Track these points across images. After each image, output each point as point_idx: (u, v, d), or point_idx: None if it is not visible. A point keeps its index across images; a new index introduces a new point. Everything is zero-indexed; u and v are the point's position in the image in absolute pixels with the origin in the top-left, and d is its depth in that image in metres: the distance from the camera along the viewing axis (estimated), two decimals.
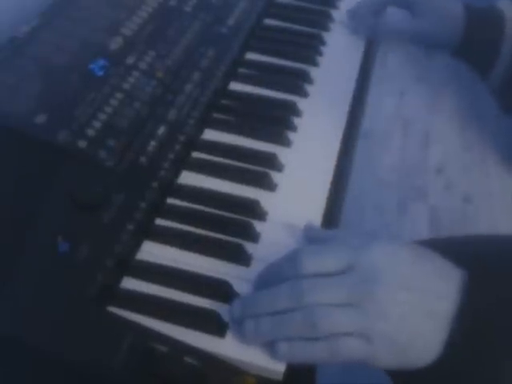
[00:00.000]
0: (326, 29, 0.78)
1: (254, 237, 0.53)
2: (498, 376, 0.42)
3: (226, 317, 0.47)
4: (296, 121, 0.64)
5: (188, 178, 0.57)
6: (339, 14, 0.81)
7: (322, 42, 0.76)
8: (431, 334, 0.43)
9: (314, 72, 0.71)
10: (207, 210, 0.54)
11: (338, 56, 0.75)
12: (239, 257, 0.51)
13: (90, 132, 0.53)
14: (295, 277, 0.45)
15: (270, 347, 0.45)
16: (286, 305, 0.44)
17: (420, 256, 0.46)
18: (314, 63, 0.73)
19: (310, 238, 0.52)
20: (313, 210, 0.56)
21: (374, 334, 0.42)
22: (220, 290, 0.48)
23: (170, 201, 0.55)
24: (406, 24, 0.76)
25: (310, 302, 0.43)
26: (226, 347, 0.45)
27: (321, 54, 0.74)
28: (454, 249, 0.48)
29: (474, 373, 0.43)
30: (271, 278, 0.47)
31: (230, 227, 0.53)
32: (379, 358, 0.43)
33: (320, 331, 0.43)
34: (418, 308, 0.43)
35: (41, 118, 0.52)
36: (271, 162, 0.59)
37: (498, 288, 0.43)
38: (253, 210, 0.54)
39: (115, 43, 0.60)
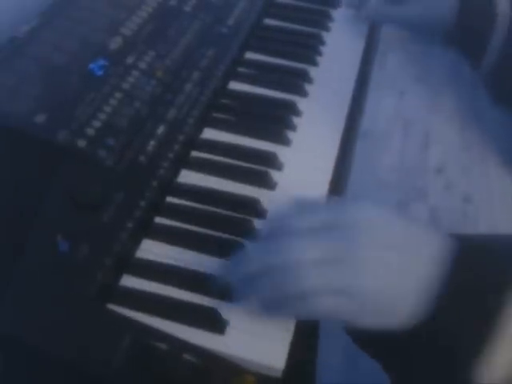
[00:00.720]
0: (325, 29, 0.79)
1: (254, 235, 0.53)
2: (477, 339, 0.42)
3: (225, 314, 0.47)
4: (295, 120, 0.64)
5: (187, 177, 0.57)
6: (339, 14, 0.81)
7: (322, 42, 0.76)
8: (412, 294, 0.42)
9: (313, 72, 0.71)
10: (207, 208, 0.55)
11: (338, 56, 0.75)
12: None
13: (90, 131, 0.53)
14: (281, 234, 0.44)
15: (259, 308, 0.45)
16: (272, 262, 0.43)
17: (404, 220, 0.45)
18: (314, 63, 0.73)
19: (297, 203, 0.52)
20: None
21: (356, 291, 0.42)
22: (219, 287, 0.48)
23: (170, 199, 0.55)
24: (397, 10, 0.76)
25: (294, 259, 0.43)
26: (226, 345, 0.45)
27: (320, 54, 0.74)
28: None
29: (453, 337, 0.42)
30: (265, 236, 0.47)
31: (229, 225, 0.53)
32: (359, 316, 0.43)
33: (301, 289, 0.43)
34: (400, 268, 0.42)
35: (41, 118, 0.52)
36: (271, 160, 0.59)
37: (482, 258, 0.43)
38: (253, 208, 0.55)
39: (115, 43, 0.61)
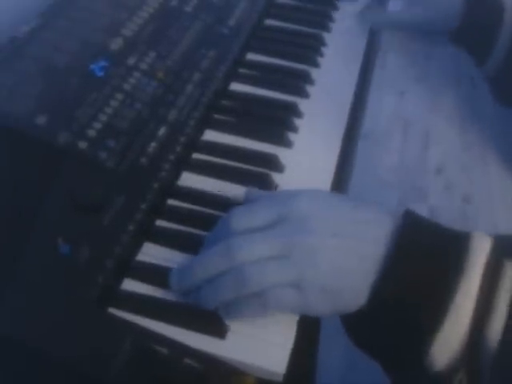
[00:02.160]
0: (326, 29, 0.78)
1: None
2: (421, 324, 0.42)
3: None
4: (297, 121, 0.64)
5: (189, 179, 0.57)
6: (340, 14, 0.81)
7: (323, 43, 0.76)
8: (361, 277, 0.42)
9: (314, 73, 0.71)
10: (208, 211, 0.54)
11: (339, 57, 0.75)
12: None
13: (91, 133, 0.52)
14: (225, 237, 0.45)
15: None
16: (219, 266, 0.44)
17: (349, 202, 0.46)
18: (315, 64, 0.72)
19: (245, 199, 0.52)
20: None
21: (305, 282, 0.42)
22: None
23: (171, 202, 0.55)
24: (400, 16, 0.76)
25: (239, 259, 0.43)
26: (227, 349, 0.45)
27: (321, 55, 0.74)
28: None
29: (399, 319, 0.42)
30: (206, 245, 0.47)
31: None
32: (311, 305, 0.43)
33: (251, 287, 0.43)
34: (346, 252, 0.43)
35: (41, 119, 0.51)
36: (272, 162, 0.59)
37: (427, 237, 0.43)
38: None
39: (116, 44, 0.60)
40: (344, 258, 0.43)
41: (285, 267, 0.43)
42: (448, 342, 0.40)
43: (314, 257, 0.42)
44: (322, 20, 0.80)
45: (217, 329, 0.46)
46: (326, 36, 0.77)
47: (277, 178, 0.58)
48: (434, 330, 0.40)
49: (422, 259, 0.42)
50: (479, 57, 0.73)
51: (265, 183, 0.57)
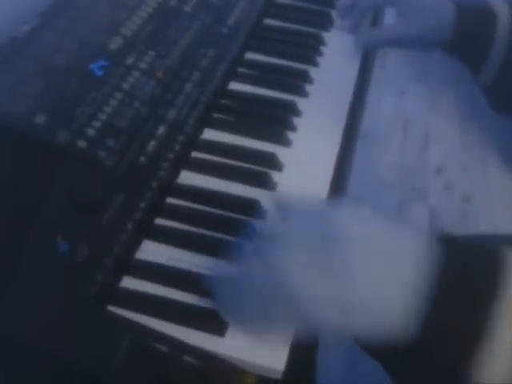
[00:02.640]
0: (325, 29, 0.78)
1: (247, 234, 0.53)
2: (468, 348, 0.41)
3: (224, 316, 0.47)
4: (296, 121, 0.64)
5: (188, 178, 0.57)
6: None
7: (322, 42, 0.76)
8: (399, 301, 0.42)
9: (313, 72, 0.71)
10: (207, 209, 0.54)
11: (338, 56, 0.75)
12: None
13: (90, 132, 0.53)
14: (264, 240, 0.44)
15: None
16: (256, 272, 0.43)
17: (392, 224, 0.45)
18: (314, 63, 0.73)
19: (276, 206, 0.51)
20: None
21: (344, 300, 0.42)
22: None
23: (170, 200, 0.55)
24: (390, 35, 0.76)
25: (278, 267, 0.42)
26: (226, 346, 0.45)
27: (320, 54, 0.74)
28: None
29: (434, 345, 0.42)
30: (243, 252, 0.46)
31: (230, 226, 0.53)
32: (348, 324, 0.42)
33: (287, 297, 0.42)
34: (386, 275, 0.42)
35: (40, 118, 0.52)
36: (271, 161, 0.59)
37: (468, 259, 0.43)
38: (253, 209, 0.54)
39: (115, 43, 0.60)
40: (382, 280, 0.42)
41: (321, 283, 0.42)
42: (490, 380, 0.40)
43: (351, 276, 0.42)
44: (321, 19, 0.80)
45: (216, 326, 0.46)
46: (325, 35, 0.77)
47: (276, 176, 0.58)
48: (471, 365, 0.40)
49: (459, 288, 0.41)
50: (474, 67, 0.73)
51: (264, 182, 0.57)
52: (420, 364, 0.43)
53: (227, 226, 0.53)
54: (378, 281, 0.42)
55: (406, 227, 0.45)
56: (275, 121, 0.64)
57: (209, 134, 0.61)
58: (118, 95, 0.56)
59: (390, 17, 0.82)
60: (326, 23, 0.79)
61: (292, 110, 0.65)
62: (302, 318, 0.43)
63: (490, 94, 0.74)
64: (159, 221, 0.53)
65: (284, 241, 0.44)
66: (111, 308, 0.47)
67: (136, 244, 0.51)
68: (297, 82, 0.69)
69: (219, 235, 0.53)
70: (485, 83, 0.73)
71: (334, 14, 0.81)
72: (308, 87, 0.69)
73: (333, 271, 0.42)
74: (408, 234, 0.45)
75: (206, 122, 0.62)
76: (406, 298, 0.42)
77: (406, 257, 0.43)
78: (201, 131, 0.61)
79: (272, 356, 0.45)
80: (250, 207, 0.55)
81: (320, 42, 0.76)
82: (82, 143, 0.52)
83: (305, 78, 0.70)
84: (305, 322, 0.43)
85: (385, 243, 0.44)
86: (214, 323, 0.46)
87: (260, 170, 0.58)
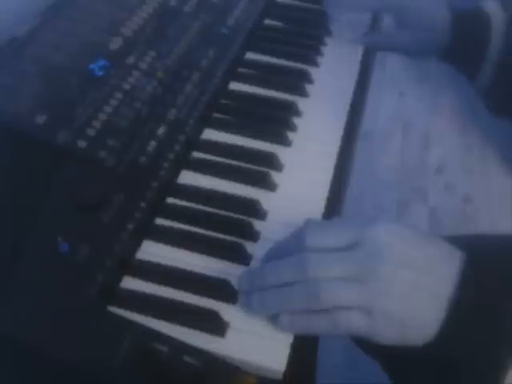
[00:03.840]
0: (325, 29, 0.78)
1: (253, 236, 0.53)
2: (490, 361, 0.42)
3: (226, 316, 0.47)
4: (296, 121, 0.64)
5: (188, 178, 0.57)
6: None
7: (322, 42, 0.76)
8: (431, 312, 0.43)
9: (314, 72, 0.71)
10: (207, 209, 0.54)
11: (338, 56, 0.75)
12: (239, 256, 0.51)
13: (90, 132, 0.53)
14: (300, 251, 0.45)
15: (275, 320, 0.46)
16: (291, 277, 0.45)
17: (425, 238, 0.46)
18: (315, 63, 0.73)
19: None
20: (313, 210, 0.56)
21: (375, 309, 0.43)
22: (220, 289, 0.48)
23: (170, 200, 0.55)
24: (387, 39, 0.77)
25: (314, 275, 0.44)
26: (226, 347, 0.45)
27: (321, 54, 0.74)
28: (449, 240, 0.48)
29: (467, 356, 0.43)
30: (278, 253, 0.47)
31: (229, 226, 0.53)
32: (379, 332, 0.44)
33: (322, 304, 0.44)
34: (419, 287, 0.43)
35: (41, 118, 0.52)
36: (271, 161, 0.59)
37: (492, 271, 0.44)
38: (253, 209, 0.54)
39: (115, 43, 0.60)
40: (415, 292, 0.44)
41: (357, 291, 0.43)
42: None
43: (387, 286, 0.43)
44: (322, 19, 0.80)
45: (216, 327, 0.46)
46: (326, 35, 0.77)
47: (276, 176, 0.58)
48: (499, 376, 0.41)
49: (484, 305, 0.43)
50: (470, 71, 0.73)
51: (264, 182, 0.57)
52: (431, 367, 0.44)
53: (227, 226, 0.53)
54: (410, 291, 0.43)
55: (440, 242, 0.46)
56: (275, 121, 0.64)
57: (209, 134, 0.61)
58: (119, 95, 0.56)
59: (388, 21, 0.82)
60: (326, 23, 0.79)
61: (292, 110, 0.65)
62: (335, 326, 0.44)
63: (488, 98, 0.74)
64: (159, 221, 0.53)
65: (323, 254, 0.45)
66: (111, 308, 0.46)
67: (136, 244, 0.51)
68: (297, 82, 0.69)
69: (219, 235, 0.52)
70: (482, 87, 0.73)
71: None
72: (308, 87, 0.69)
73: (366, 282, 0.43)
74: (443, 248, 0.46)
75: (206, 122, 0.62)
76: (438, 309, 0.43)
77: (439, 269, 0.44)
78: (201, 131, 0.61)
79: (272, 356, 0.45)
80: (250, 207, 0.55)
81: (320, 41, 0.76)
82: (82, 143, 0.52)
83: (305, 78, 0.70)
84: (337, 329, 0.44)
85: (419, 257, 0.45)
86: (214, 323, 0.46)
87: (260, 169, 0.58)
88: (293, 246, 0.46)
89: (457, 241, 0.46)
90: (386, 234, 0.45)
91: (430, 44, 0.74)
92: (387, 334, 0.44)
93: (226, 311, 0.47)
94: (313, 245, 0.45)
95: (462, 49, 0.72)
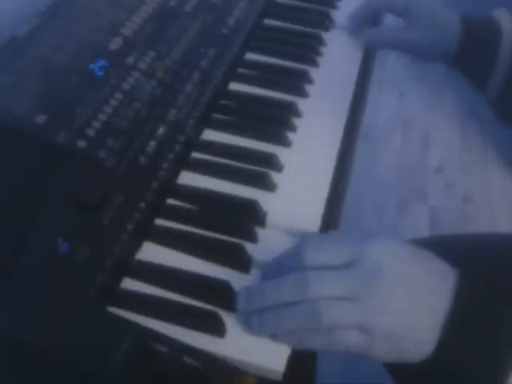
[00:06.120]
0: (325, 29, 0.78)
1: (253, 237, 0.53)
2: (485, 376, 0.43)
3: (225, 317, 0.47)
4: (296, 121, 0.64)
5: (188, 179, 0.57)
6: (339, 14, 0.81)
7: (322, 43, 0.76)
8: (428, 330, 0.43)
9: (313, 72, 0.71)
10: (207, 210, 0.54)
11: (338, 56, 0.75)
12: (239, 256, 0.51)
13: (90, 132, 0.53)
14: (299, 269, 0.45)
15: (273, 337, 0.46)
16: (290, 296, 0.45)
17: (419, 255, 0.47)
18: (314, 63, 0.73)
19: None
20: (312, 211, 0.56)
21: (373, 327, 0.43)
22: (220, 289, 0.48)
23: (170, 201, 0.55)
24: (399, 35, 0.76)
25: (314, 293, 0.44)
26: (226, 347, 0.45)
27: (321, 55, 0.74)
28: (446, 247, 0.48)
29: (463, 372, 0.43)
30: (276, 270, 0.47)
31: (229, 227, 0.53)
32: (376, 350, 0.44)
33: (322, 323, 0.44)
34: (416, 305, 0.44)
35: (40, 118, 0.52)
36: (271, 162, 0.59)
37: (487, 286, 0.44)
38: (253, 210, 0.54)
39: (115, 43, 0.60)
40: (412, 310, 0.44)
41: (355, 310, 0.44)
42: None
43: (384, 304, 0.44)
44: (322, 19, 0.80)
45: (216, 327, 0.46)
46: (325, 35, 0.77)
47: (276, 177, 0.58)
48: None
49: (480, 318, 0.43)
50: (479, 80, 0.73)
51: (263, 182, 0.57)
52: (431, 377, 0.44)
53: (227, 227, 0.53)
54: (408, 309, 0.44)
55: (433, 258, 0.47)
56: (275, 121, 0.64)
57: (209, 135, 0.61)
58: (118, 95, 0.56)
59: (389, 20, 0.82)
60: (326, 23, 0.79)
61: (292, 110, 0.65)
62: (334, 344, 0.44)
63: (496, 107, 0.74)
64: (159, 221, 0.53)
65: (322, 273, 0.45)
66: (111, 309, 0.46)
67: (136, 245, 0.51)
68: (297, 83, 0.69)
69: (219, 236, 0.52)
70: (490, 96, 0.73)
71: (333, 13, 0.81)
72: (308, 87, 0.69)
73: (364, 300, 0.44)
74: (437, 265, 0.46)
75: (206, 122, 0.62)
76: (434, 327, 0.43)
77: (434, 286, 0.45)
78: (201, 132, 0.61)
79: (272, 357, 0.45)
80: (250, 208, 0.55)
81: (320, 42, 0.76)
82: (82, 143, 0.52)
83: (305, 78, 0.70)
84: (335, 347, 0.44)
85: (414, 274, 0.45)
86: (213, 324, 0.46)
87: (260, 170, 0.58)
88: (292, 264, 0.46)
89: (451, 251, 0.46)
90: (382, 252, 0.45)
91: (440, 44, 0.73)
92: (385, 351, 0.44)
93: (225, 311, 0.47)
94: (312, 264, 0.45)
95: (471, 56, 0.72)
